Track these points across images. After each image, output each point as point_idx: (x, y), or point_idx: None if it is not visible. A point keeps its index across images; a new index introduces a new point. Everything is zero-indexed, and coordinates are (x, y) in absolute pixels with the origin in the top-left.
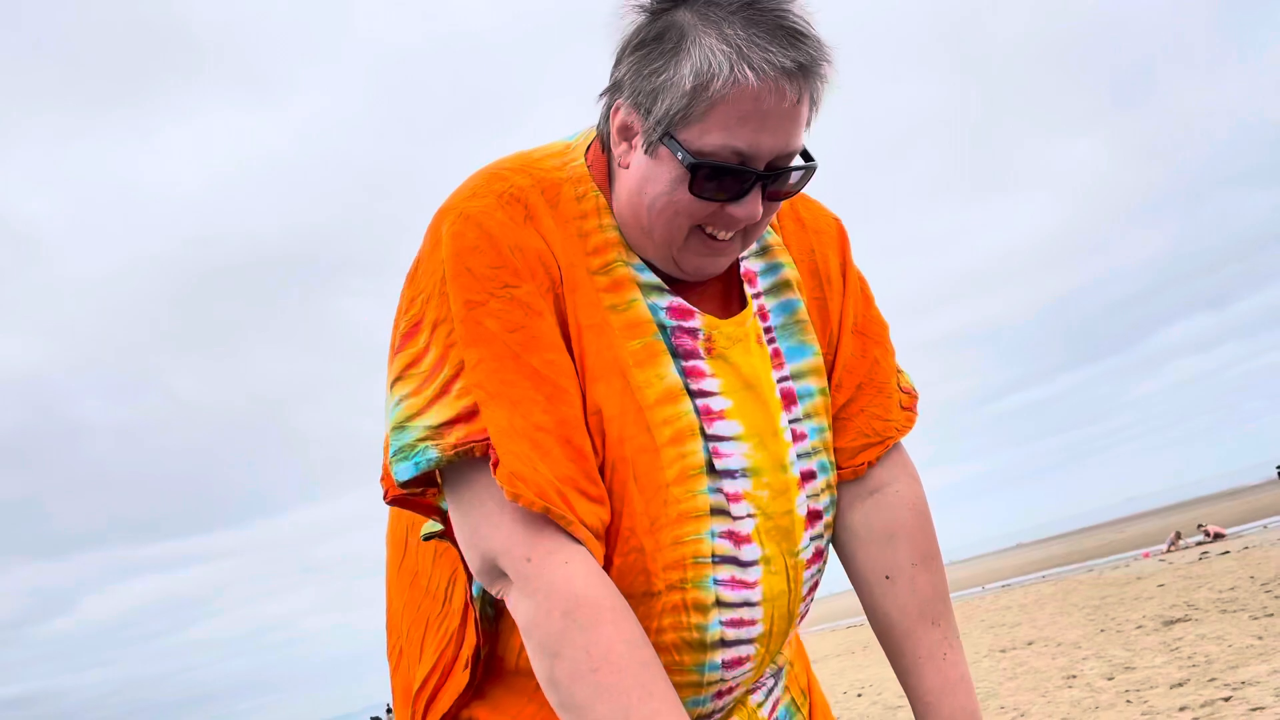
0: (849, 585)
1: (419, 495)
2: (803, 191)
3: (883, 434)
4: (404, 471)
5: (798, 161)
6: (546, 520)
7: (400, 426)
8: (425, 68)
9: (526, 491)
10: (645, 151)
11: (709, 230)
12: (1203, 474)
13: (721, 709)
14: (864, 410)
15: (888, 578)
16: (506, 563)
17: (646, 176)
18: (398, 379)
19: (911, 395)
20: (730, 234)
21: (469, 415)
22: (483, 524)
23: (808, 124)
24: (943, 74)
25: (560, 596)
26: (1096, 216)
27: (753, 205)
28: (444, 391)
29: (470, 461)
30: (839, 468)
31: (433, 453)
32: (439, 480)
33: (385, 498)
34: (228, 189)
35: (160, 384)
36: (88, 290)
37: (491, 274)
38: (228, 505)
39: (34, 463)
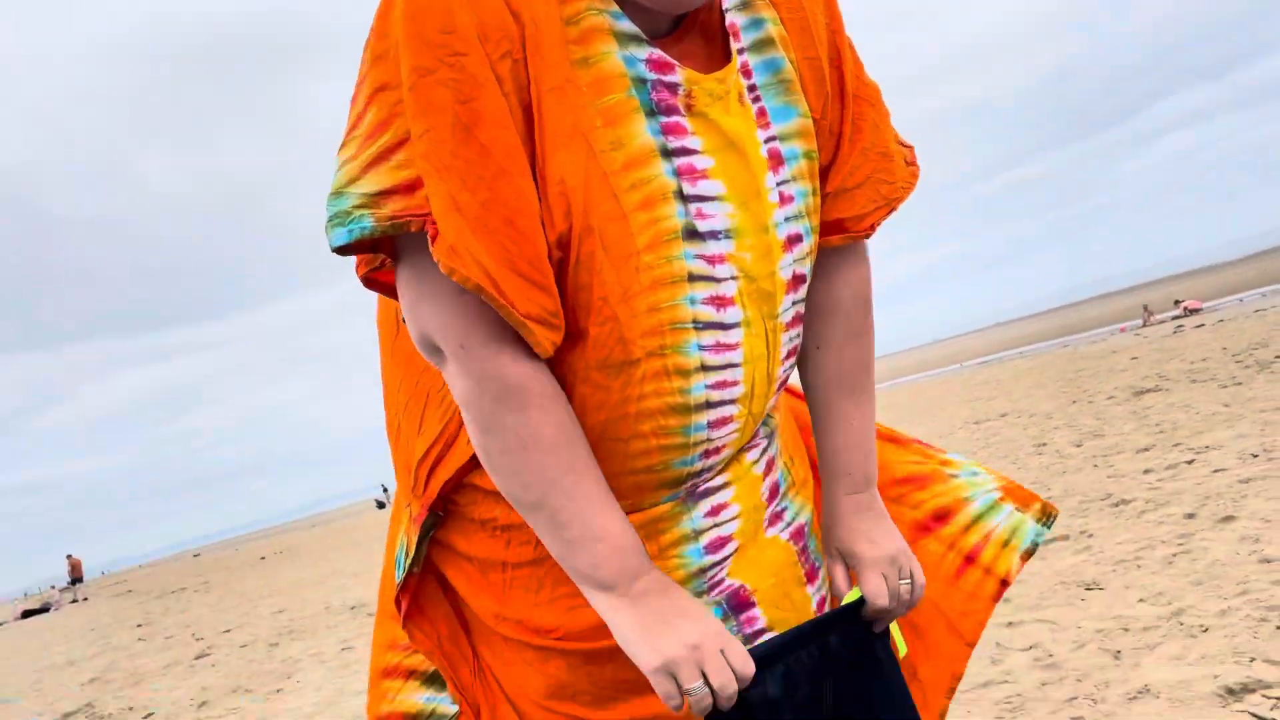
0: None
1: (382, 271)
2: None
3: (890, 197)
4: (338, 238)
5: None
6: (482, 304)
7: (338, 192)
8: None
9: (462, 268)
10: None
11: None
12: (1186, 250)
13: (711, 467)
14: (870, 177)
15: (818, 348)
16: (443, 343)
17: None
18: (342, 144)
19: (909, 148)
20: None
21: (409, 187)
22: (422, 302)
23: None
24: None
25: (491, 382)
26: None
27: None
28: (382, 158)
29: (415, 235)
30: (846, 230)
31: (368, 222)
32: (387, 251)
33: (358, 273)
34: None
35: (131, 175)
36: (47, 73)
37: (443, 40)
38: (213, 297)
39: (8, 258)
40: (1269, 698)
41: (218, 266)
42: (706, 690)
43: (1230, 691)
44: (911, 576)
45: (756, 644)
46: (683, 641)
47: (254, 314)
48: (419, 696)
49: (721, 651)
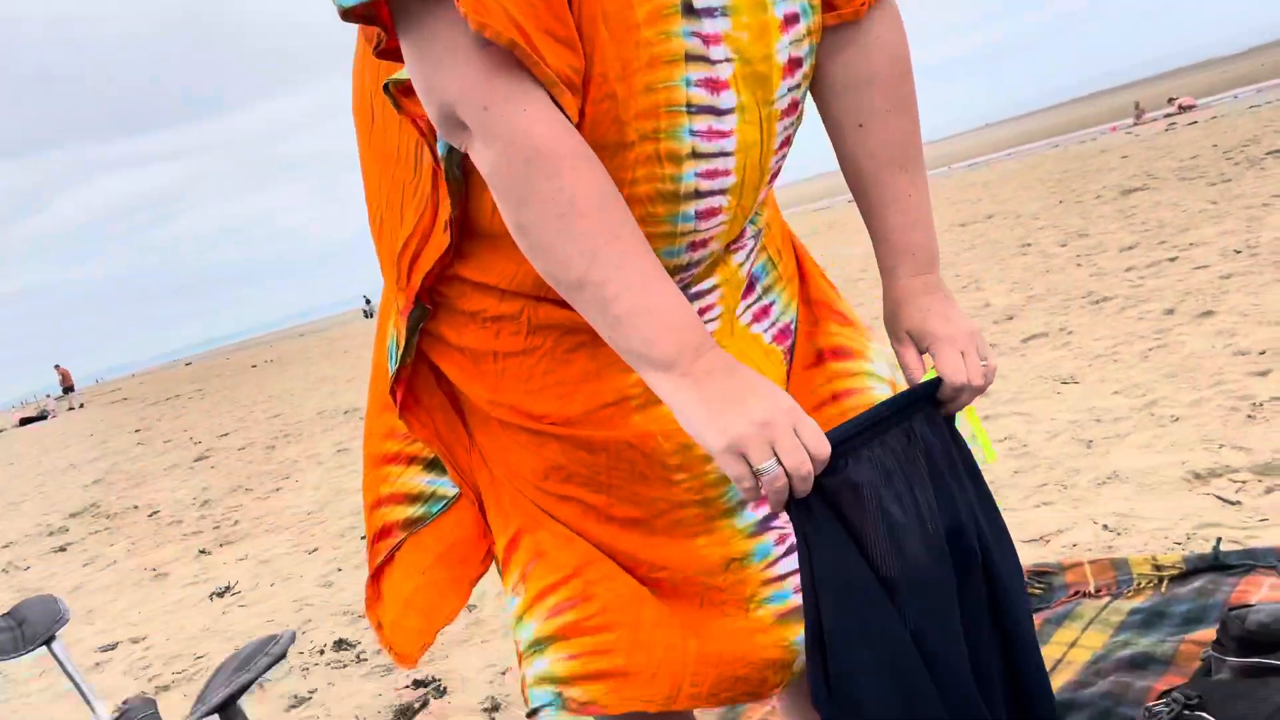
0: (818, 170)
1: (394, 45)
2: None
3: None
4: None
5: None
6: (505, 65)
7: None
8: None
9: (493, 22)
10: None
11: None
12: (1186, 45)
13: (697, 261)
14: None
15: (860, 125)
16: (464, 111)
17: None
18: None
19: None
20: None
21: None
22: (438, 70)
23: None
24: None
25: (519, 145)
26: None
27: None
28: None
29: (419, 1)
30: (837, 9)
31: None
32: (387, 20)
33: (374, 48)
34: None
35: None
36: None
37: None
38: (184, 101)
39: None
40: (1235, 481)
41: (187, 71)
42: (780, 470)
43: (1197, 476)
44: (986, 359)
45: (834, 427)
46: (751, 419)
47: (232, 117)
48: (421, 479)
49: (795, 431)
